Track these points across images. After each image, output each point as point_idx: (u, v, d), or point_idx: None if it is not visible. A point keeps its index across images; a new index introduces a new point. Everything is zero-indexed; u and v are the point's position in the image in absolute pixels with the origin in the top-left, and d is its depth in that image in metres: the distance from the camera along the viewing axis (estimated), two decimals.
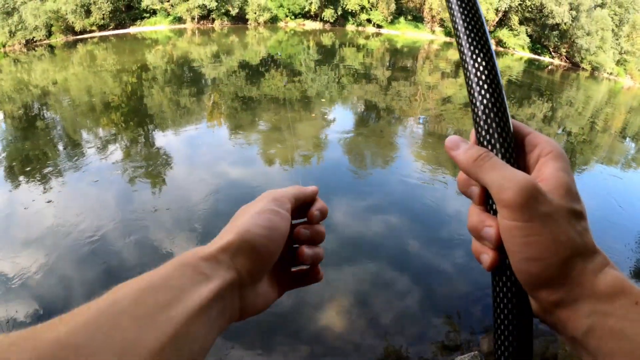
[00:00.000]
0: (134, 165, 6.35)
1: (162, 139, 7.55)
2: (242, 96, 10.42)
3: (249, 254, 0.40)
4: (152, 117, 8.83)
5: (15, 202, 5.30)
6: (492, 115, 0.36)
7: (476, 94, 0.37)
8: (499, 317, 0.36)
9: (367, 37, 24.00)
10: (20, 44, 18.59)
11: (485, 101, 0.37)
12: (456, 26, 0.39)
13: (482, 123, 0.37)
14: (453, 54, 19.76)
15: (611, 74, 25.43)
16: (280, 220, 0.44)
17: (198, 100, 10.17)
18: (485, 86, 0.37)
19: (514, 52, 26.54)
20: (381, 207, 5.20)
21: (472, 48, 0.38)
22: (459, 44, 0.39)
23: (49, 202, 5.20)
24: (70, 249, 4.28)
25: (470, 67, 0.38)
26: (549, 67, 24.24)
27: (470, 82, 0.38)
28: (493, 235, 0.35)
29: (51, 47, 18.26)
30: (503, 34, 26.51)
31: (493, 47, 0.39)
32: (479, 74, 0.37)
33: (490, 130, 0.37)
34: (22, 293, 3.72)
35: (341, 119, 9.13)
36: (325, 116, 9.26)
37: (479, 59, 0.38)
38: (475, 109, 0.37)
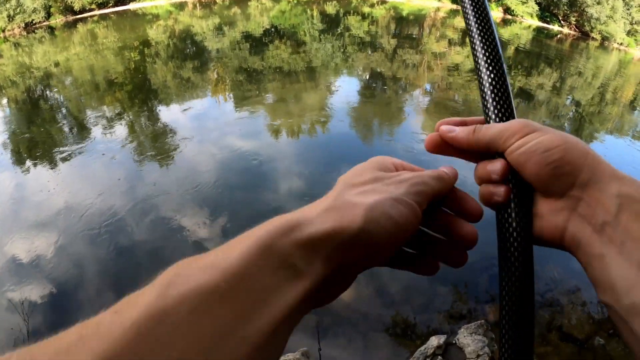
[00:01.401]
0: (140, 142, 6.36)
1: (168, 114, 7.52)
2: (246, 68, 10.32)
3: (362, 252, 0.31)
4: (156, 93, 8.80)
5: (23, 184, 5.34)
6: (497, 96, 0.41)
7: (484, 76, 0.42)
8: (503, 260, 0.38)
9: (372, 5, 23.41)
10: (19, 27, 18.11)
11: (491, 87, 0.41)
12: (470, 29, 0.44)
13: (488, 104, 0.41)
14: (459, 22, 19.34)
15: (621, 44, 24.79)
16: (413, 221, 0.33)
17: (202, 73, 10.08)
18: (491, 73, 0.41)
19: (522, 20, 25.87)
20: None
21: (485, 59, 0.42)
22: (473, 50, 0.43)
23: (56, 182, 5.21)
24: (82, 228, 4.31)
25: (480, 62, 0.42)
26: (558, 36, 23.71)
27: (480, 80, 0.42)
28: (500, 166, 0.37)
29: (51, 29, 17.98)
30: (511, 1, 25.78)
31: (501, 51, 0.43)
32: (488, 74, 0.42)
33: (496, 110, 0.40)
34: (35, 274, 3.76)
35: (347, 88, 9.03)
36: (331, 86, 9.16)
37: (489, 60, 0.42)
38: (483, 94, 0.41)
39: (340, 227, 0.30)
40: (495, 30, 0.43)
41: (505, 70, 0.42)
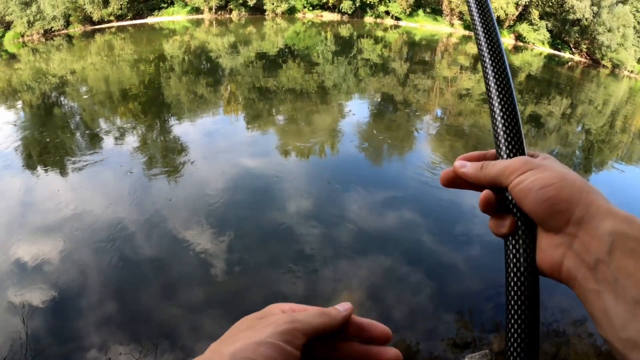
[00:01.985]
0: (151, 155, 6.41)
1: (179, 128, 7.58)
2: (259, 87, 10.42)
3: None
4: (169, 107, 8.88)
5: (32, 189, 5.39)
6: (507, 134, 0.44)
7: (496, 112, 0.45)
8: (511, 280, 0.40)
9: (385, 29, 23.76)
10: (38, 33, 18.81)
11: (503, 125, 0.45)
12: (485, 69, 0.47)
13: (500, 142, 0.44)
14: (471, 48, 19.46)
15: (632, 72, 24.81)
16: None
17: (215, 90, 10.21)
18: (503, 109, 0.45)
19: (534, 47, 26.02)
20: (396, 201, 5.19)
21: (498, 98, 0.46)
22: (486, 79, 0.46)
23: (66, 189, 5.27)
24: (87, 237, 4.34)
25: (494, 102, 0.45)
26: (569, 63, 23.74)
27: (493, 116, 0.46)
28: (507, 224, 0.40)
29: (69, 37, 18.46)
30: (523, 28, 26.00)
31: (510, 77, 0.46)
32: (501, 112, 0.45)
33: (506, 147, 0.44)
34: (38, 279, 3.79)
35: (358, 111, 9.08)
36: (342, 108, 9.24)
37: (501, 95, 0.46)
38: (496, 128, 0.45)
39: None
40: (508, 70, 0.47)
41: (517, 109, 0.45)
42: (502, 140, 0.44)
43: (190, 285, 3.72)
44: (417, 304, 3.55)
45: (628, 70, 24.67)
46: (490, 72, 0.46)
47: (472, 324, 3.37)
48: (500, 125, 0.45)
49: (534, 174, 0.38)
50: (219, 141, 7.03)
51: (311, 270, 3.94)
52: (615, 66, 24.72)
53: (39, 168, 5.96)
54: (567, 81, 17.07)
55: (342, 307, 0.39)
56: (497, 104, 0.45)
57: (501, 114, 0.45)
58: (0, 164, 6.03)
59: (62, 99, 9.58)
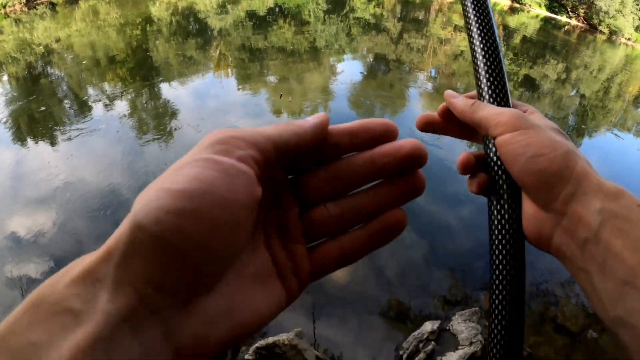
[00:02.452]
0: (141, 120, 6.27)
1: (169, 91, 7.42)
2: (249, 47, 10.20)
3: (151, 252, 0.21)
4: (158, 70, 8.66)
5: (23, 161, 5.24)
6: (490, 74, 0.41)
7: (479, 57, 0.42)
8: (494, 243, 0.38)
9: None
10: (20, 3, 17.82)
11: (485, 62, 0.41)
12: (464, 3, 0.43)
13: (482, 79, 0.41)
14: None
15: (629, 39, 24.55)
16: (224, 177, 0.23)
17: (204, 51, 9.97)
18: (486, 55, 0.41)
19: (530, 9, 25.58)
20: None
21: (480, 37, 0.42)
22: (467, 26, 0.43)
23: (56, 159, 5.12)
24: (81, 205, 4.26)
25: (475, 42, 0.42)
26: (566, 27, 23.46)
27: (474, 51, 0.42)
28: (480, 181, 0.39)
29: (52, 5, 17.61)
30: None
31: (497, 30, 0.43)
32: (482, 47, 0.42)
33: (490, 90, 0.40)
34: (34, 250, 3.72)
35: (350, 70, 8.93)
36: (334, 67, 9.07)
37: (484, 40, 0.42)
38: (477, 67, 0.41)
39: (116, 238, 0.22)
40: (490, 8, 0.42)
41: (501, 50, 0.41)
42: (485, 86, 0.41)
43: None
44: (409, 263, 3.55)
45: (625, 38, 24.42)
46: (469, 6, 0.43)
47: (463, 282, 3.38)
48: (482, 65, 0.41)
49: (526, 136, 0.35)
50: (210, 103, 6.91)
51: None
52: (612, 33, 24.45)
53: (28, 140, 5.78)
54: (563, 45, 16.89)
55: (310, 120, 0.30)
56: (478, 44, 0.42)
57: (483, 53, 0.41)
58: None
59: (48, 68, 9.27)
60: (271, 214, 0.30)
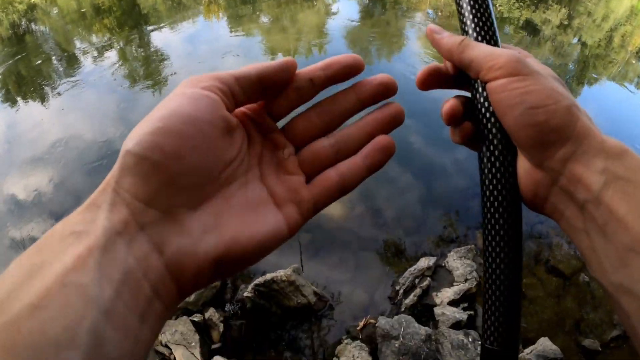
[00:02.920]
0: (132, 69, 6.11)
1: (159, 38, 7.22)
2: None
3: (134, 168, 0.25)
4: (146, 17, 8.42)
5: (15, 122, 5.12)
6: (476, 10, 0.35)
7: None
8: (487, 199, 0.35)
9: None
10: None
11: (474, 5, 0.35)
12: None
13: (467, 15, 0.36)
14: None
15: None
16: (189, 101, 0.27)
17: None
18: None
19: None
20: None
21: None
22: None
23: (49, 116, 5.04)
24: (78, 159, 4.21)
25: None
26: None
27: None
28: (447, 105, 0.36)
29: None
30: None
31: None
32: None
33: (478, 27, 0.35)
34: (35, 210, 3.69)
35: (345, 9, 8.70)
36: (329, 6, 8.81)
37: None
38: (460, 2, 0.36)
39: (112, 170, 0.26)
40: None
41: None
42: (471, 22, 0.36)
43: None
44: (405, 204, 3.55)
45: None
46: None
47: (458, 221, 3.39)
48: (468, 5, 0.36)
49: (524, 83, 0.31)
50: (201, 48, 6.75)
51: None
52: None
53: (18, 99, 5.65)
54: None
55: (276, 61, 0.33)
56: None
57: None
58: None
59: (32, 25, 9.01)
60: (265, 154, 0.33)
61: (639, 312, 0.27)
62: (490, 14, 0.36)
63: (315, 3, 8.76)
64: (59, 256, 0.21)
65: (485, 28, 0.35)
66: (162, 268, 0.24)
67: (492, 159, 0.34)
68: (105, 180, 0.26)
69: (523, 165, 0.34)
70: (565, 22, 11.31)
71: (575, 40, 10.02)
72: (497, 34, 0.36)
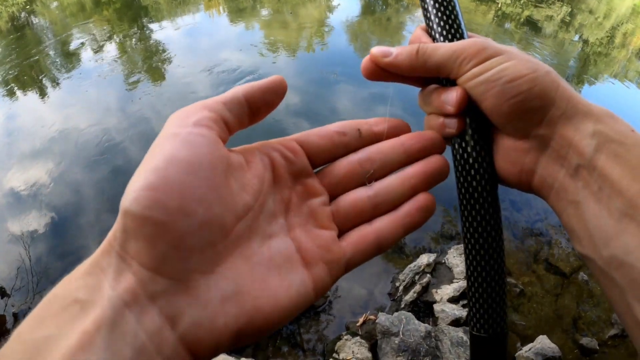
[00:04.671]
0: (132, 62, 6.08)
1: (159, 31, 7.18)
2: None
3: (138, 231, 0.22)
4: (146, 9, 8.40)
5: (14, 116, 5.10)
6: (442, 8, 0.34)
7: None
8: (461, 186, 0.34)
9: None
10: None
11: None
12: None
13: (431, 15, 0.34)
14: None
15: None
16: (184, 145, 0.24)
17: None
18: None
19: None
20: (384, 96, 4.98)
21: None
22: None
23: (48, 110, 5.00)
24: (77, 153, 4.19)
25: None
26: None
27: None
28: (456, 96, 0.32)
29: None
30: None
31: None
32: None
33: (442, 23, 0.34)
34: (34, 204, 3.68)
35: (346, 4, 8.70)
36: (330, 1, 8.79)
37: None
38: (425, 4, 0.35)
39: (115, 227, 0.23)
40: None
41: None
42: (434, 17, 0.34)
43: None
44: None
45: None
46: None
47: (457, 218, 3.37)
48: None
49: (499, 62, 0.30)
50: (202, 41, 6.73)
51: None
52: None
53: (18, 93, 5.63)
54: None
55: (263, 80, 0.31)
56: None
57: None
58: None
59: (32, 18, 8.93)
60: (293, 201, 0.30)
61: (634, 285, 0.25)
62: (454, 7, 0.34)
63: None
64: (63, 331, 0.20)
65: (450, 22, 0.34)
66: (177, 343, 0.22)
67: (463, 145, 0.33)
68: (108, 240, 0.23)
69: (504, 145, 0.33)
70: (567, 19, 11.31)
71: (576, 38, 9.99)
72: (463, 25, 0.34)
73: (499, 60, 0.30)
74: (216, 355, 0.23)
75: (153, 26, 7.51)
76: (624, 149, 0.27)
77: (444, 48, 0.32)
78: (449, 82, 0.33)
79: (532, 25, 9.57)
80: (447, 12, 0.34)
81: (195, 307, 0.22)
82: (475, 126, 0.33)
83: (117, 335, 0.20)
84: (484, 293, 0.33)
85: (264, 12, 7.90)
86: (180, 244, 0.22)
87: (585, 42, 9.88)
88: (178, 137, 0.25)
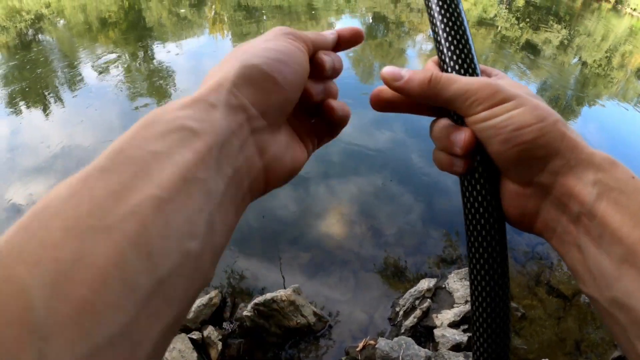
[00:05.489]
0: (135, 83, 6.17)
1: (164, 53, 7.30)
2: (244, 5, 10.01)
3: (260, 82, 0.29)
4: (151, 31, 8.54)
5: (18, 131, 5.15)
6: (455, 41, 0.35)
7: (437, 22, 0.36)
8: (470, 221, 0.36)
9: None
10: None
11: (448, 28, 0.35)
12: None
13: (444, 49, 0.35)
14: None
15: (635, 9, 23.99)
16: (298, 50, 0.33)
17: (199, 10, 9.81)
18: (448, 15, 0.36)
19: None
20: (386, 121, 5.04)
21: None
22: None
23: (52, 127, 5.07)
24: (78, 170, 4.17)
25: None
26: None
27: (432, 17, 0.37)
28: (463, 138, 0.33)
29: None
30: None
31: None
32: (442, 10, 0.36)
33: (455, 56, 0.35)
34: None
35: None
36: (332, 27, 8.87)
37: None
38: (436, 31, 0.36)
39: (225, 73, 0.28)
40: None
41: (463, 12, 0.36)
42: (447, 50, 0.35)
43: None
44: (405, 222, 3.54)
45: (631, 8, 23.83)
46: None
47: (458, 242, 3.38)
48: (443, 27, 0.35)
49: (508, 108, 0.31)
50: (206, 63, 6.80)
51: (302, 186, 3.87)
52: (617, 2, 23.90)
53: (22, 109, 5.69)
54: (567, 10, 16.59)
55: (329, 32, 0.40)
56: (436, 6, 0.36)
57: (443, 12, 0.35)
58: None
59: (39, 35, 9.12)
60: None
61: (635, 325, 0.27)
62: (467, 39, 0.36)
63: (319, 22, 8.87)
64: (174, 150, 0.22)
65: (463, 56, 0.35)
66: (261, 168, 0.29)
67: (473, 183, 0.35)
68: (216, 82, 0.28)
69: (508, 187, 0.34)
70: (566, 41, 11.44)
71: (575, 60, 10.09)
72: (475, 57, 0.36)
73: (507, 107, 0.32)
74: (279, 185, 0.32)
75: (157, 47, 7.64)
76: (624, 197, 0.29)
77: (457, 84, 0.33)
78: (458, 117, 0.35)
79: (532, 49, 9.69)
80: (460, 45, 0.35)
81: (276, 145, 0.31)
82: (483, 167, 0.34)
83: (223, 156, 0.25)
84: (489, 328, 0.35)
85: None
86: (283, 104, 0.31)
87: (584, 63, 9.97)
88: (288, 42, 0.33)
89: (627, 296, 0.27)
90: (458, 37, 0.35)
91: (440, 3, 0.36)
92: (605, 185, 0.29)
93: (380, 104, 0.39)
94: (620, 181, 0.29)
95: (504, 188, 0.35)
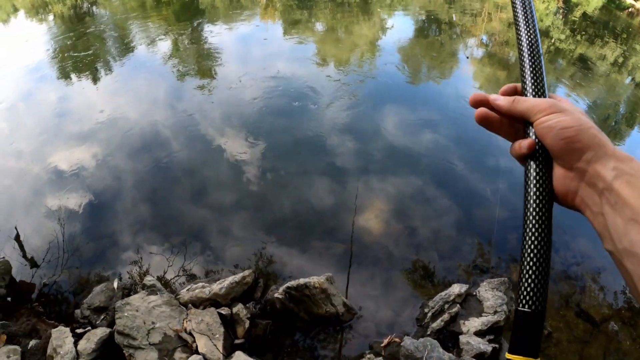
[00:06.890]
0: (185, 61, 6.28)
1: (214, 34, 7.40)
2: None
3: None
4: (203, 13, 8.65)
5: (67, 98, 5.35)
6: (533, 72, 0.53)
7: (525, 57, 0.54)
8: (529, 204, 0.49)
9: None
10: None
11: (529, 61, 0.54)
12: (516, 20, 0.56)
13: (527, 81, 0.53)
14: None
15: None
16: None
17: None
18: (531, 55, 0.55)
19: None
20: (432, 122, 5.01)
21: (527, 45, 0.55)
22: (518, 38, 0.56)
23: (100, 97, 5.25)
24: (122, 142, 4.37)
25: (522, 46, 0.55)
26: (629, 9, 21.85)
27: (521, 52, 0.55)
28: (526, 144, 0.49)
29: None
30: None
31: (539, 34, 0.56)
32: (529, 56, 0.54)
33: (533, 86, 0.52)
34: (75, 184, 3.84)
35: (400, 26, 8.70)
36: (384, 22, 8.83)
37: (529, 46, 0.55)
38: (522, 66, 0.54)
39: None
40: (536, 23, 0.55)
41: (542, 54, 0.54)
42: (529, 81, 0.52)
43: (221, 189, 3.80)
44: (441, 226, 3.51)
45: None
46: (522, 25, 0.55)
47: (493, 251, 3.33)
48: (528, 66, 0.53)
49: (558, 116, 0.47)
50: (255, 48, 6.88)
51: (341, 182, 3.89)
52: None
53: (73, 77, 5.91)
54: (624, 28, 15.85)
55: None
56: (525, 49, 0.54)
57: (529, 56, 0.53)
58: (37, 75, 5.99)
59: (93, 8, 9.29)
60: None
61: (638, 269, 0.39)
62: (542, 74, 0.53)
63: (371, 17, 8.75)
64: None
65: (538, 85, 0.52)
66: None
67: (535, 167, 0.49)
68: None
69: (558, 172, 0.48)
70: (620, 60, 11.00)
71: (628, 80, 9.67)
72: (546, 87, 0.53)
73: (558, 115, 0.47)
74: None
75: (208, 28, 7.67)
76: (634, 179, 0.42)
77: (528, 102, 0.50)
78: (528, 123, 0.50)
79: (584, 63, 9.33)
80: (536, 76, 0.53)
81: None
82: (542, 156, 0.49)
83: None
84: (534, 277, 0.46)
85: (318, 27, 7.94)
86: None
87: (638, 85, 9.56)
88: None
89: (634, 245, 0.39)
90: (536, 70, 0.53)
91: (529, 42, 0.54)
92: (621, 170, 0.43)
93: (482, 119, 0.55)
94: (633, 169, 0.43)
95: (555, 173, 0.48)
